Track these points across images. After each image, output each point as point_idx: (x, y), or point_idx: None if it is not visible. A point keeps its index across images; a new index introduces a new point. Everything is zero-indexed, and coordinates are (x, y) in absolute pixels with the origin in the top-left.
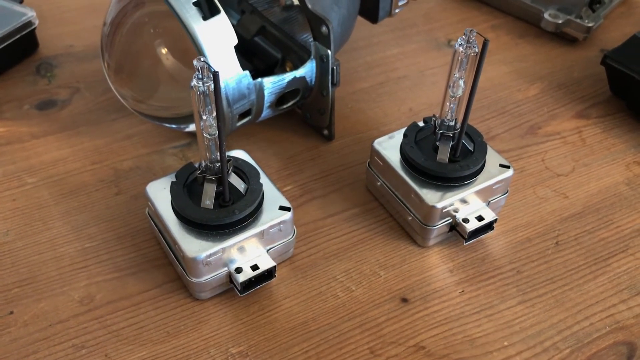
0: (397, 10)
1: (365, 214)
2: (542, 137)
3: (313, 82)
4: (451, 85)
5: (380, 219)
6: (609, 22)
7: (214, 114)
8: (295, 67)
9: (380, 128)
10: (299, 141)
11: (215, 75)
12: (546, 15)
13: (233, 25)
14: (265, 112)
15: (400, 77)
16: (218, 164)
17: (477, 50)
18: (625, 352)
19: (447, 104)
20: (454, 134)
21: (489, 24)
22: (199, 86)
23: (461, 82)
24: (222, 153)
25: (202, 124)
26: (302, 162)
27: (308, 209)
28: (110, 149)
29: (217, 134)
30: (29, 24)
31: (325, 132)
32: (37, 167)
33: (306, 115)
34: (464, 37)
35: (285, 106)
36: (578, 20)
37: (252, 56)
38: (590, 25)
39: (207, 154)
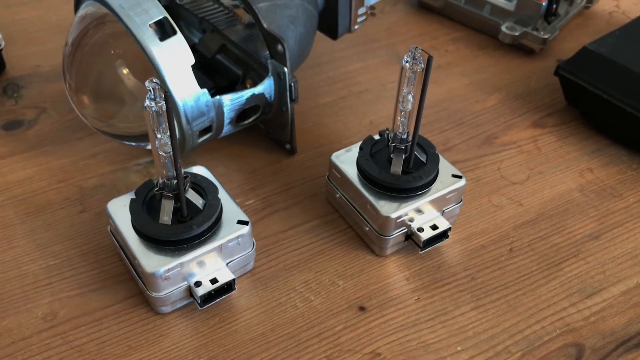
0: (356, 27)
1: (325, 225)
2: (499, 146)
3: (272, 99)
4: (400, 100)
5: (340, 230)
6: (565, 33)
7: (168, 132)
8: (255, 84)
9: (342, 141)
10: (262, 155)
11: (167, 96)
12: (503, 28)
13: (194, 44)
14: (227, 128)
15: (362, 91)
16: (175, 181)
17: (422, 66)
18: (574, 353)
19: (398, 117)
20: (406, 146)
21: (449, 37)
22: (152, 106)
23: (410, 97)
24: (177, 170)
25: (157, 142)
26: (264, 176)
27: (269, 222)
28: (75, 167)
29: (172, 152)
30: None
31: (287, 146)
32: (2, 187)
33: (269, 130)
34: (409, 53)
35: (246, 122)
36: (534, 32)
37: (214, 73)
38: (546, 37)
39: (164, 171)
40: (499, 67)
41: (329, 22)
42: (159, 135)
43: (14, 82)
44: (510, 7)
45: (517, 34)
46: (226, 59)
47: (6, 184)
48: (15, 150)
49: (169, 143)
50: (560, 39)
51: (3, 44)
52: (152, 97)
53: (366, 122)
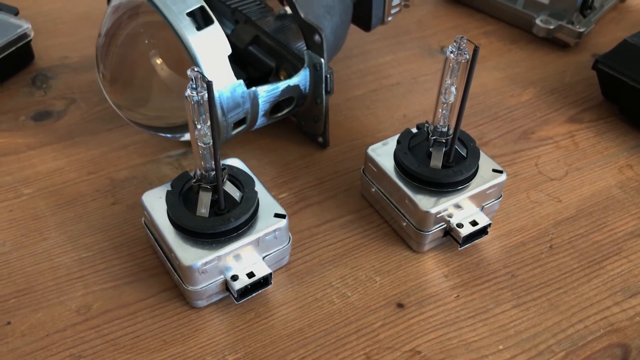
0: (389, 18)
1: (360, 220)
2: (535, 141)
3: (307, 90)
4: (443, 91)
5: (375, 225)
6: (600, 27)
7: (208, 123)
8: (289, 76)
9: (375, 135)
10: (294, 149)
11: (209, 85)
12: (538, 21)
13: (227, 35)
14: (260, 121)
15: (394, 84)
16: (213, 173)
17: (468, 57)
18: (620, 354)
19: (440, 110)
20: (446, 139)
21: (481, 30)
22: (193, 96)
23: (453, 89)
24: (216, 161)
25: (196, 133)
26: (297, 170)
27: (303, 216)
28: (106, 159)
29: (211, 143)
30: (24, 36)
31: (320, 139)
32: (33, 178)
33: (301, 123)
34: (454, 44)
35: (279, 114)
36: (569, 26)
37: (247, 65)
38: (581, 30)
39: (202, 163)
40: (532, 61)
41: (362, 13)
42: (198, 126)
43: (42, 73)
44: (545, 0)
45: (552, 27)
46: (259, 50)
47: (36, 175)
48: (45, 141)
49: (209, 134)
50: (594, 33)
51: (32, 34)
52: (194, 86)
53: (399, 115)
